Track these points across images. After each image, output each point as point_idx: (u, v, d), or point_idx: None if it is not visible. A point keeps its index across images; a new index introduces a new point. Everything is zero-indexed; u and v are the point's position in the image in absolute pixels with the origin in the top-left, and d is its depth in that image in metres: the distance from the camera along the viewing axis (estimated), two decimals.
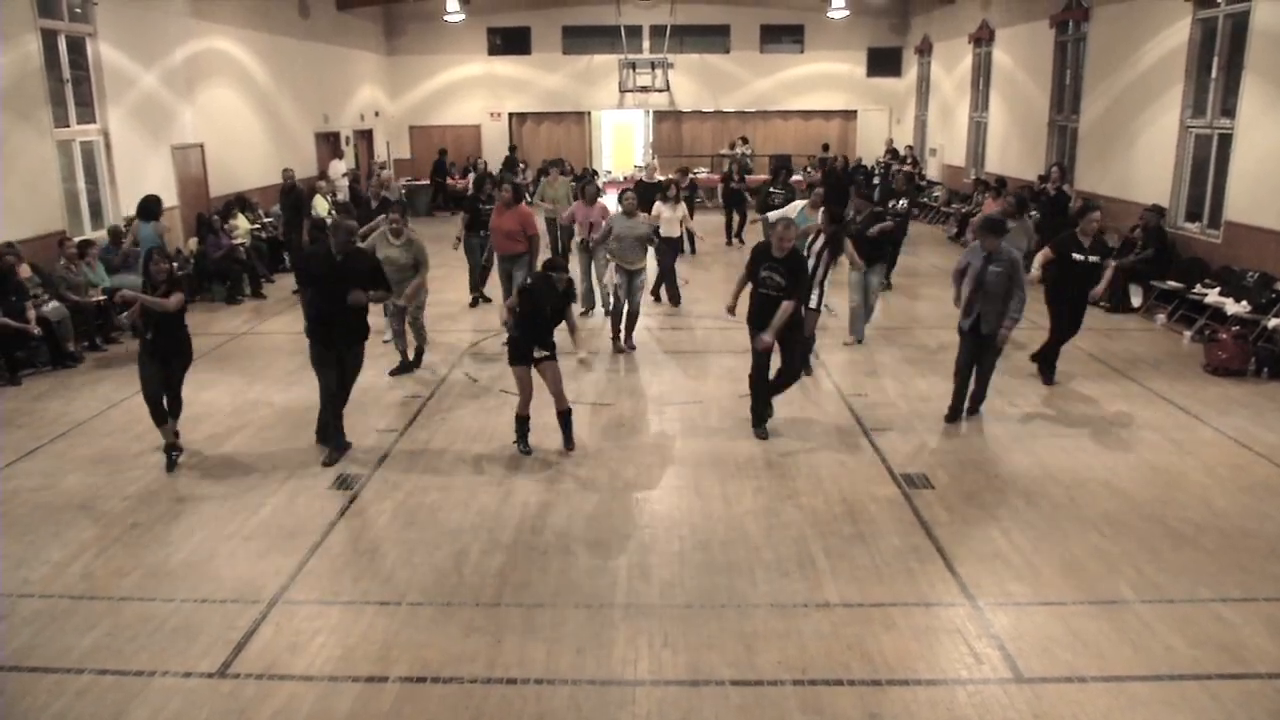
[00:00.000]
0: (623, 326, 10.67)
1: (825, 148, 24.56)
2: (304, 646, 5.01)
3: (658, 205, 12.68)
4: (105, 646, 5.02)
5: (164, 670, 4.80)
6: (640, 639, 5.05)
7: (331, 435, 7.70)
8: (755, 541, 6.13)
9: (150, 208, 11.81)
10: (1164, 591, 5.50)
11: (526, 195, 15.05)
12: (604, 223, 10.80)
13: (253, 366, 10.22)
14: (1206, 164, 12.52)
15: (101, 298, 10.96)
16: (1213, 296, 11.08)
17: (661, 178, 16.86)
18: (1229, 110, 11.96)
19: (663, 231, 12.09)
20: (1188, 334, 10.99)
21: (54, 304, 10.42)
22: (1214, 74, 12.31)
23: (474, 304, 13.02)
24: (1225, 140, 11.99)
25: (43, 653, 4.96)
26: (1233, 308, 10.55)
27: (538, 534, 6.28)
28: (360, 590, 5.58)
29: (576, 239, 12.59)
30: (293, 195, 15.56)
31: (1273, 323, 9.87)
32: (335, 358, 7.47)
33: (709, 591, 5.52)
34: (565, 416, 7.67)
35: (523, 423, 7.68)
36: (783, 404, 8.35)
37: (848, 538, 6.19)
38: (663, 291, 13.04)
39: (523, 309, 7.38)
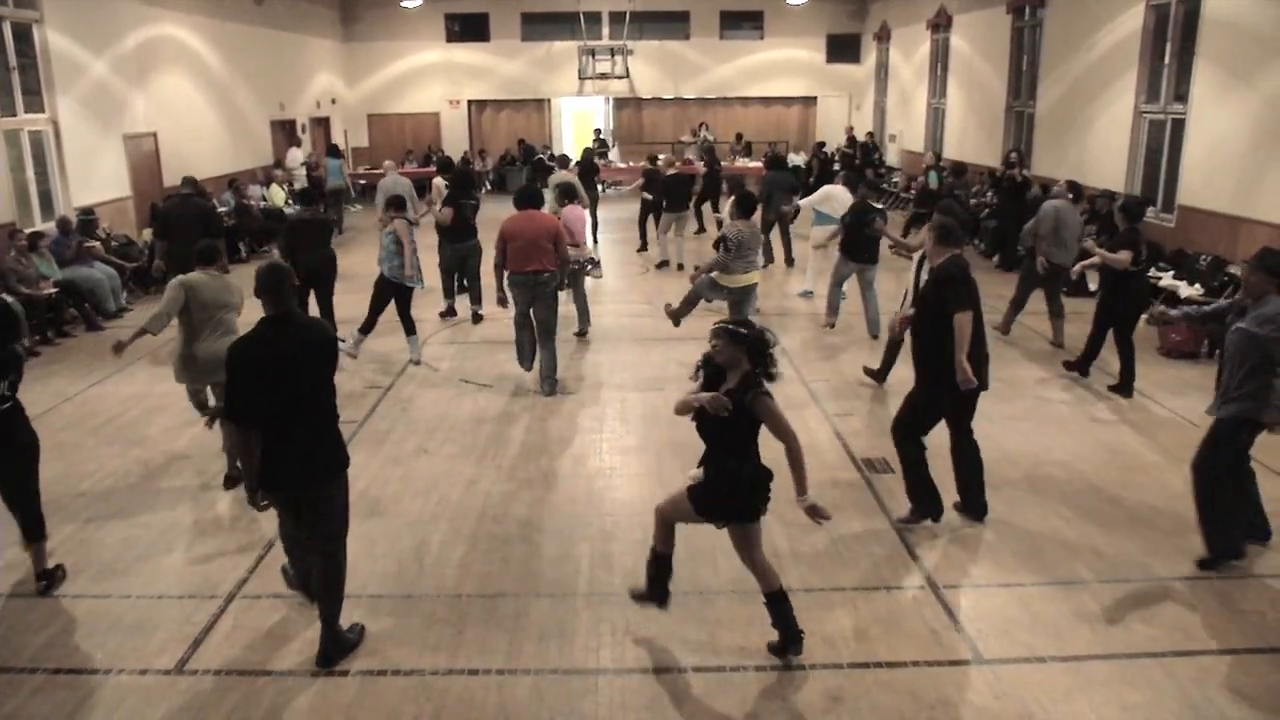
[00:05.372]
0: None
1: (739, 137, 24.90)
2: (262, 641, 4.95)
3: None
4: (60, 645, 4.94)
5: (120, 668, 4.72)
6: (603, 627, 5.05)
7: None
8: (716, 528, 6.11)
9: (335, 148, 20.23)
10: (1121, 572, 5.58)
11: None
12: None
13: None
14: (1160, 149, 12.69)
15: (53, 290, 10.79)
16: (1167, 280, 11.23)
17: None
18: (1181, 96, 12.11)
19: None
20: (1142, 317, 11.11)
21: (4, 297, 10.21)
22: (1167, 60, 12.46)
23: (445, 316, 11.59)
24: (1178, 125, 12.14)
25: None
26: (1186, 291, 10.69)
27: (499, 523, 6.25)
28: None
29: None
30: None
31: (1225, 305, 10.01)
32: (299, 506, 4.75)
33: (672, 579, 5.51)
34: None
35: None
36: None
37: (809, 523, 6.16)
38: None
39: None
